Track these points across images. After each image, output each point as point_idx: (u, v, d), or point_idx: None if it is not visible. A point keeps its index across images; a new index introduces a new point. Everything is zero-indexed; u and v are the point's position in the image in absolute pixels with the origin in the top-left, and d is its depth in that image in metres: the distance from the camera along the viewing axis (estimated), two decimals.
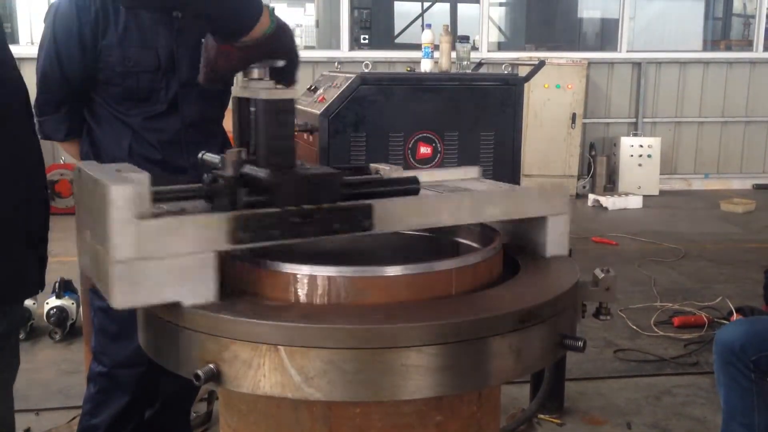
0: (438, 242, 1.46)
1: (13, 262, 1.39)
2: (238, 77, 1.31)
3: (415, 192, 1.28)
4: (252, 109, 1.21)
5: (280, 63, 1.26)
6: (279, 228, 1.11)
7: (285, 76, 1.30)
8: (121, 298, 1.03)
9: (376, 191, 1.24)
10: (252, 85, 1.23)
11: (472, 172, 1.54)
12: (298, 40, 9.90)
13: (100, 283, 1.09)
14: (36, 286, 1.47)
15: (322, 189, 1.15)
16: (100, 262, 1.07)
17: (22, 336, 4.00)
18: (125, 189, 1.02)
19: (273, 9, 1.25)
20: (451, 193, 1.34)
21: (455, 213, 1.27)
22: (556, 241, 1.38)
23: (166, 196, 1.18)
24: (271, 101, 1.17)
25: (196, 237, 1.07)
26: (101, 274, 1.07)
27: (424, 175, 1.44)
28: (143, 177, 1.06)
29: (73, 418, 3.05)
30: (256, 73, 1.23)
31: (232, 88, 1.30)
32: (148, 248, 1.03)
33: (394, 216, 1.20)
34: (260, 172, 1.15)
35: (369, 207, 1.17)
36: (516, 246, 1.41)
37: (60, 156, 7.13)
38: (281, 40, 1.24)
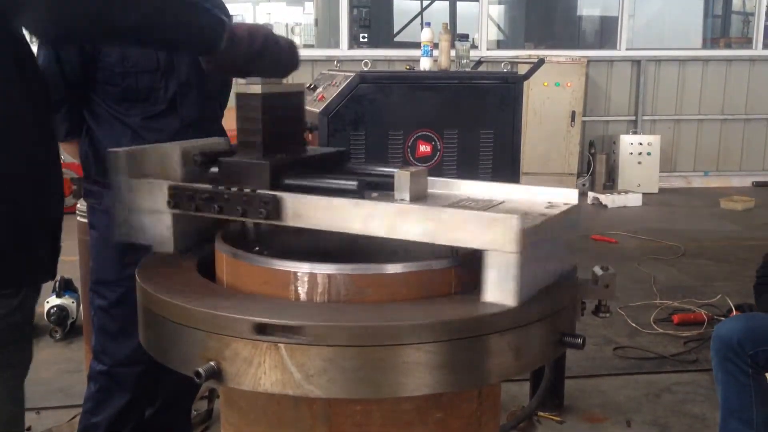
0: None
1: (33, 246, 1.41)
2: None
3: (353, 194, 1.24)
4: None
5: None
6: (193, 202, 1.27)
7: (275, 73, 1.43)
8: None
9: (315, 186, 1.27)
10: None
11: (570, 195, 1.35)
12: (296, 39, 9.88)
13: None
14: (49, 275, 1.48)
15: (249, 175, 1.28)
16: None
17: (58, 336, 4.00)
18: None
19: (227, 23, 1.34)
20: (366, 201, 1.20)
21: (366, 222, 1.15)
22: (496, 283, 1.10)
23: None
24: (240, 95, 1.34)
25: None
26: None
27: (512, 190, 1.37)
28: None
29: (74, 417, 3.05)
30: None
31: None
32: None
33: (304, 213, 1.19)
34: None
35: (276, 198, 1.20)
36: None
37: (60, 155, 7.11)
38: (236, 52, 1.35)
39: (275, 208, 1.19)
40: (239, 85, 1.38)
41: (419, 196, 1.25)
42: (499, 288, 1.10)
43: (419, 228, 1.12)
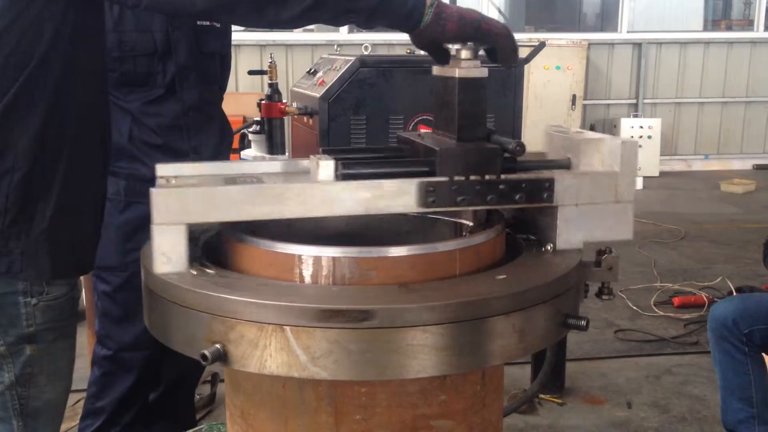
0: (442, 224, 1.46)
1: (88, 236, 1.53)
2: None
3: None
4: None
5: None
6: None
7: (499, 58, 1.38)
8: None
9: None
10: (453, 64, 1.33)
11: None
12: None
13: None
14: (94, 260, 1.59)
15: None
16: None
17: None
18: None
19: (433, 3, 1.31)
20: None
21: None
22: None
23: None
24: (464, 79, 1.29)
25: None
26: None
27: None
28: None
29: (78, 401, 3.07)
30: (463, 54, 1.32)
31: (434, 68, 1.38)
32: None
33: None
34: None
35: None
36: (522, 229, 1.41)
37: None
38: (440, 29, 1.31)
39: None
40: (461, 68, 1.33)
41: None
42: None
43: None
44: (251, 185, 1.20)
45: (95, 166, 1.50)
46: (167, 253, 1.16)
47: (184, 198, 1.15)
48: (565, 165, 1.34)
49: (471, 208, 1.27)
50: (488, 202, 1.23)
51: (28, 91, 1.33)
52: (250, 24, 1.44)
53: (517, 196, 1.23)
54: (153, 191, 1.15)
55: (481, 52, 1.37)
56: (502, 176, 1.24)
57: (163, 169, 1.33)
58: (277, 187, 1.18)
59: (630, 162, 1.30)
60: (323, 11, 1.29)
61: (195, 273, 1.16)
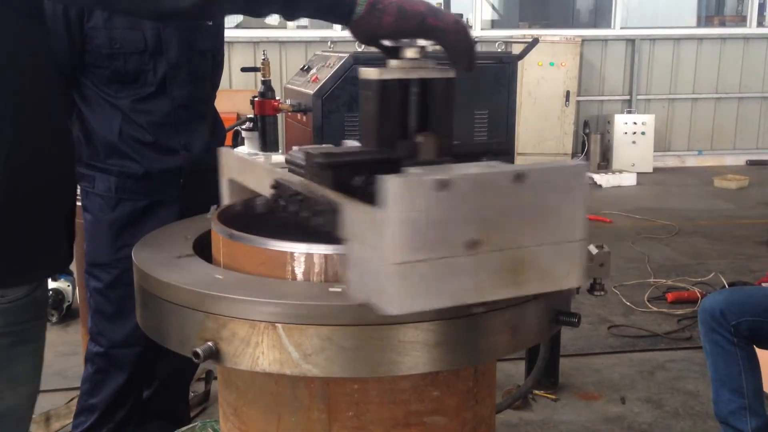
0: None
1: (53, 235, 1.44)
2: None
3: None
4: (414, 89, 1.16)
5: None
6: None
7: (449, 57, 1.22)
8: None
9: None
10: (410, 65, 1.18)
11: None
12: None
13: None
14: (68, 260, 1.52)
15: None
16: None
17: (55, 319, 4.02)
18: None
19: None
20: None
21: None
22: None
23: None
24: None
25: None
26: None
27: None
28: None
29: (72, 399, 3.07)
30: (408, 53, 1.17)
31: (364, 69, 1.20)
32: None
33: None
34: None
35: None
36: None
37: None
38: (376, 22, 1.17)
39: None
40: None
41: None
42: None
43: None
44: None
45: (49, 166, 1.40)
46: None
47: None
48: None
49: None
50: None
51: None
52: (145, 14, 1.34)
53: None
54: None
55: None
56: None
57: None
58: None
59: None
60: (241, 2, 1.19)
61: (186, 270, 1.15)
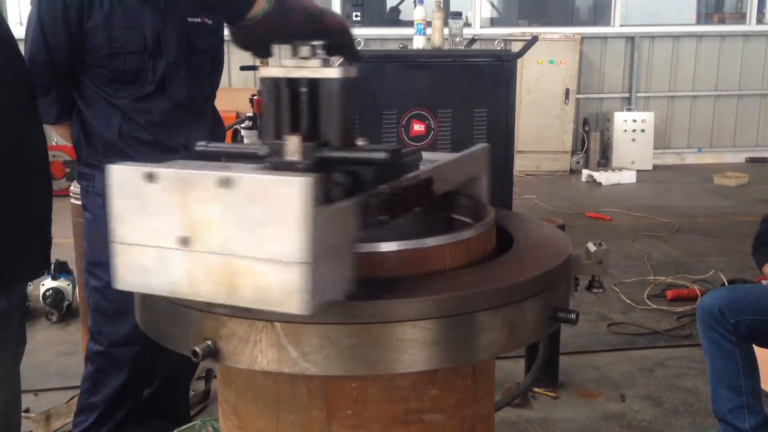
0: (432, 218, 1.46)
1: (17, 243, 1.41)
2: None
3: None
4: (303, 89, 1.12)
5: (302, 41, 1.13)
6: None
7: (342, 53, 1.21)
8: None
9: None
10: (303, 64, 1.13)
11: None
12: None
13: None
14: (42, 267, 1.50)
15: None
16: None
17: (55, 318, 4.01)
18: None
19: None
20: None
21: None
22: None
23: None
24: (346, 80, 1.12)
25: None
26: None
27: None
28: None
29: (72, 398, 3.07)
30: (303, 51, 1.13)
31: (262, 68, 1.17)
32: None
33: None
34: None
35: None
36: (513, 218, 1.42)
37: (52, 138, 7.10)
38: (285, 21, 1.15)
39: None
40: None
41: None
42: None
43: None
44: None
45: (6, 172, 1.38)
46: None
47: None
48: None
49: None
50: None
51: None
52: None
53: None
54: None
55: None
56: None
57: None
58: None
59: None
60: None
61: None
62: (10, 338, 1.45)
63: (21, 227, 1.41)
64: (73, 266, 3.91)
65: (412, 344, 1.05)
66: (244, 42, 1.20)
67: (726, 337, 2.55)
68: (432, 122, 3.95)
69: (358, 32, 7.70)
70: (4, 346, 1.44)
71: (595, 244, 1.32)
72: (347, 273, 1.00)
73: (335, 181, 1.02)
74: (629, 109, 8.75)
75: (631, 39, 8.84)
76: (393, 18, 9.39)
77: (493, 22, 10.07)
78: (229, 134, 3.79)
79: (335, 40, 1.17)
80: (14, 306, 1.46)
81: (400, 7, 9.50)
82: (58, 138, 6.91)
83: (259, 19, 1.14)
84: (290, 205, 0.89)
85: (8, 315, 1.44)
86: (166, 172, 0.97)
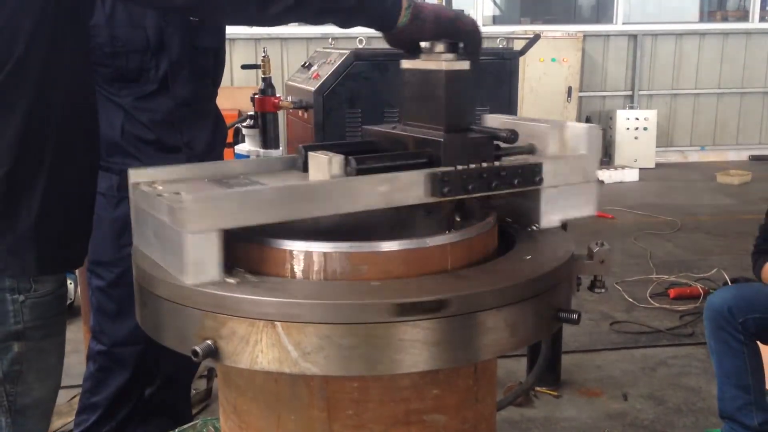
0: (434, 217, 1.46)
1: (90, 228, 1.55)
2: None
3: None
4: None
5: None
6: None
7: (469, 52, 1.41)
8: None
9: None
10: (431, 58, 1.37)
11: None
12: None
13: None
14: (83, 256, 1.59)
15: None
16: None
17: None
18: None
19: (410, 4, 1.36)
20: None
21: None
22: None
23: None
24: (451, 72, 1.33)
25: None
26: None
27: None
28: None
29: (74, 397, 3.07)
30: (439, 48, 1.35)
31: (403, 61, 1.43)
32: None
33: None
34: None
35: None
36: (512, 220, 1.41)
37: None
38: (418, 29, 1.37)
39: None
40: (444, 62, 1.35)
41: None
42: None
43: None
44: (284, 185, 1.16)
45: (82, 163, 1.49)
46: (200, 261, 1.09)
47: (218, 203, 1.09)
48: (530, 150, 1.40)
49: (479, 195, 1.26)
50: (493, 188, 1.24)
51: (6, 91, 1.31)
52: (231, 21, 1.43)
53: (516, 181, 1.26)
54: (185, 198, 1.06)
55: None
56: (497, 163, 1.28)
57: (136, 175, 1.30)
58: (303, 186, 1.16)
59: (594, 145, 1.37)
60: (304, 10, 1.32)
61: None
62: (65, 323, 1.55)
63: (91, 212, 1.54)
64: None
65: (413, 344, 1.04)
66: (396, 45, 1.44)
67: (735, 336, 2.56)
68: None
69: (358, 31, 7.70)
70: (62, 330, 1.53)
71: (597, 244, 1.32)
72: None
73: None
74: (632, 107, 8.74)
75: (633, 37, 8.82)
76: None
77: (496, 20, 10.05)
78: (230, 133, 3.79)
79: (468, 39, 1.40)
80: (66, 289, 1.56)
81: None
82: None
83: (398, 30, 1.38)
84: None
85: (65, 300, 1.54)
86: None
